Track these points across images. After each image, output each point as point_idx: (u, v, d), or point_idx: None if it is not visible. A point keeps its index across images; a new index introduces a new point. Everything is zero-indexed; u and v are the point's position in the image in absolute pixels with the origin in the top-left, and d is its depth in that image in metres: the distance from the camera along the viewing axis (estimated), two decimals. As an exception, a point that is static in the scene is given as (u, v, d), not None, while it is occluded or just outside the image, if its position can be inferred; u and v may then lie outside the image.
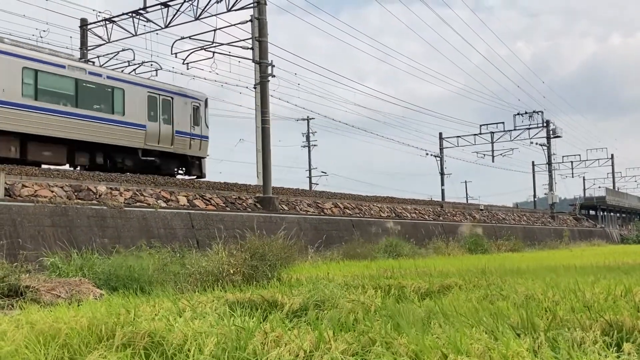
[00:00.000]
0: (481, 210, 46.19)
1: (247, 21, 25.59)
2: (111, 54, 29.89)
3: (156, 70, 29.20)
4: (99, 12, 29.61)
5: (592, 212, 71.92)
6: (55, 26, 60.93)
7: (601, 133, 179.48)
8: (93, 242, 15.97)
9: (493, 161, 57.80)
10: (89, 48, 30.12)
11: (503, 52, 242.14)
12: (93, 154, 22.48)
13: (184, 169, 26.22)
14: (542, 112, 55.72)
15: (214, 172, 64.49)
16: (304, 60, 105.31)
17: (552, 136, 57.89)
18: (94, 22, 29.90)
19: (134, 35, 28.87)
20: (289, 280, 10.99)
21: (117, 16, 29.02)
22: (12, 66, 19.80)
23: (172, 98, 25.01)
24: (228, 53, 26.83)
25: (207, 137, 26.52)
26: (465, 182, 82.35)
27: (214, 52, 26.59)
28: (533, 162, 66.98)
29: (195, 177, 25.90)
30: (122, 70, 27.65)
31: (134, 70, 28.88)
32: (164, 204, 20.23)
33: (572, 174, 73.83)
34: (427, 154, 55.51)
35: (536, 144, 57.35)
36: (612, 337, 4.93)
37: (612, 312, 5.57)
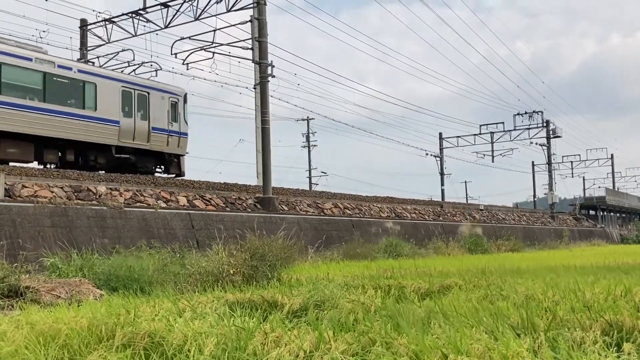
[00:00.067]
0: (481, 210, 46.20)
1: (246, 21, 25.61)
2: (111, 54, 29.92)
3: (156, 70, 29.19)
4: (99, 13, 29.66)
5: (592, 212, 71.94)
6: (55, 27, 60.94)
7: (601, 133, 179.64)
8: (93, 243, 15.98)
9: (493, 161, 57.88)
10: (88, 48, 30.13)
11: (503, 52, 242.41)
12: (63, 151, 21.63)
13: (162, 167, 25.38)
14: (542, 112, 55.82)
15: (214, 172, 64.49)
16: (303, 61, 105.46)
17: (552, 136, 57.94)
18: (94, 23, 29.92)
19: (133, 36, 28.89)
20: (289, 281, 11.00)
21: (117, 16, 29.04)
22: None
23: (149, 93, 24.11)
24: (228, 53, 26.86)
25: (186, 134, 25.63)
26: (465, 182, 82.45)
27: (213, 53, 26.61)
28: (533, 162, 67.11)
29: (174, 175, 25.07)
30: (96, 65, 26.94)
31: (134, 70, 28.88)
32: (164, 204, 20.23)
33: (572, 174, 73.96)
34: (427, 154, 55.58)
35: (536, 144, 57.44)
36: (612, 337, 4.94)
37: (612, 312, 5.57)
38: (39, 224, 15.73)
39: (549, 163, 59.79)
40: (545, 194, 66.12)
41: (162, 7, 27.37)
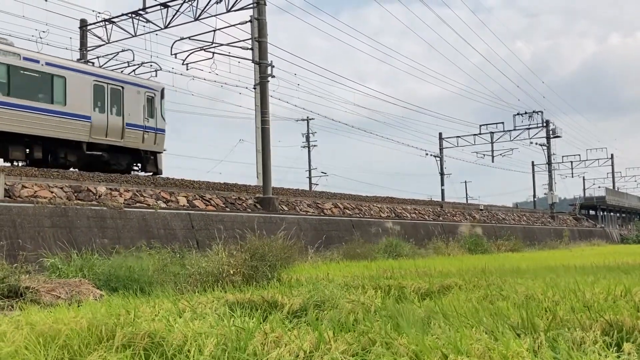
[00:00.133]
0: (481, 210, 46.21)
1: (246, 22, 25.61)
2: (111, 54, 29.93)
3: (156, 70, 29.19)
4: (99, 13, 29.63)
5: (592, 212, 71.96)
6: (54, 27, 60.94)
7: (601, 133, 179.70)
8: (93, 243, 15.97)
9: (493, 161, 57.92)
10: (88, 49, 30.14)
11: (503, 52, 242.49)
12: (31, 148, 20.67)
13: (139, 165, 24.40)
14: (541, 112, 55.87)
15: (213, 172, 64.56)
16: (303, 61, 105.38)
17: (551, 136, 57.97)
18: (94, 23, 29.92)
19: (133, 36, 28.89)
20: (288, 281, 11.00)
21: (117, 17, 29.05)
22: None
23: (123, 87, 23.10)
24: (228, 53, 26.87)
25: (163, 130, 24.62)
26: (465, 182, 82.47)
27: (213, 53, 26.62)
28: (533, 162, 67.14)
29: (151, 173, 24.26)
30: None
31: (134, 71, 28.87)
32: (163, 205, 20.24)
33: (572, 174, 74.01)
34: (426, 154, 55.58)
35: (536, 144, 57.47)
36: (612, 337, 4.94)
37: (612, 312, 5.57)
38: (39, 225, 15.73)
39: (549, 163, 59.83)
40: (545, 194, 66.18)
41: (162, 7, 27.37)
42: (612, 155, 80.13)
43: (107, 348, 5.21)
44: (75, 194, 18.16)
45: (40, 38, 27.15)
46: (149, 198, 20.20)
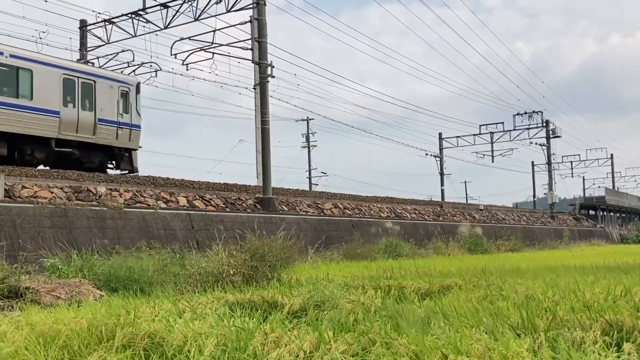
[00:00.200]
0: (481, 210, 46.21)
1: (246, 22, 25.61)
2: (111, 54, 29.94)
3: (155, 71, 29.21)
4: (99, 13, 29.63)
5: (591, 212, 71.97)
6: (54, 27, 60.86)
7: (601, 133, 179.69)
8: (93, 243, 15.97)
9: (493, 161, 57.93)
10: (88, 49, 30.14)
11: (502, 53, 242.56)
12: None
13: (114, 162, 23.50)
14: (541, 112, 55.89)
15: (213, 172, 64.62)
16: (303, 61, 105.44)
17: (551, 136, 57.98)
18: (94, 23, 29.93)
19: (133, 36, 28.90)
20: (288, 281, 11.00)
21: (117, 17, 29.06)
22: None
23: (95, 81, 22.09)
24: (227, 54, 26.88)
25: (138, 127, 23.66)
26: (465, 182, 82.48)
27: (213, 53, 26.63)
28: (533, 162, 67.15)
29: (126, 172, 23.45)
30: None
31: (134, 71, 28.87)
32: (163, 205, 20.24)
33: (572, 174, 74.03)
34: (426, 154, 55.57)
35: (536, 144, 57.48)
36: (612, 337, 4.94)
37: (612, 312, 5.57)
38: (39, 225, 15.73)
39: (549, 163, 59.83)
40: (545, 194, 66.21)
41: (162, 7, 27.38)
42: (612, 155, 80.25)
43: (107, 348, 5.21)
44: (75, 194, 18.16)
45: (40, 38, 27.18)
46: (149, 198, 20.21)
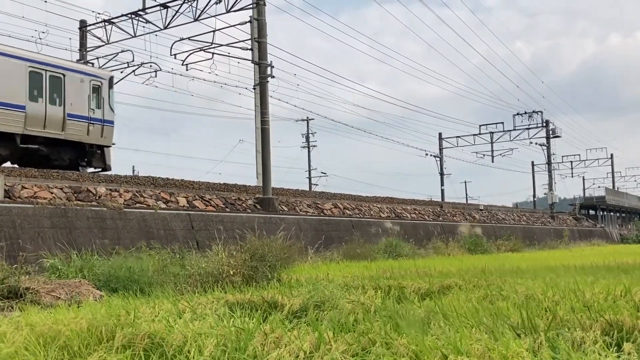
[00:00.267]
0: (481, 210, 46.21)
1: (246, 22, 25.61)
2: (110, 55, 29.94)
3: (155, 71, 29.21)
4: (98, 14, 29.65)
5: (591, 212, 71.99)
6: (54, 27, 60.77)
7: (601, 133, 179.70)
8: (93, 244, 15.97)
9: (493, 161, 57.93)
10: (88, 49, 30.15)
11: (502, 52, 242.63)
12: None
13: (86, 159, 22.49)
14: (541, 112, 55.91)
15: (213, 173, 64.60)
16: (303, 61, 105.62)
17: (551, 136, 57.99)
18: (93, 24, 29.94)
19: (133, 37, 28.91)
20: (288, 281, 11.00)
21: (116, 17, 29.07)
22: None
23: (64, 75, 21.00)
24: (227, 54, 26.89)
25: (111, 122, 22.54)
26: (465, 182, 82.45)
27: (213, 53, 26.64)
28: (533, 162, 67.13)
29: (99, 170, 22.62)
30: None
31: (133, 71, 28.87)
32: (163, 205, 20.23)
33: (572, 173, 74.05)
34: (426, 154, 55.57)
35: (536, 144, 57.49)
36: (612, 337, 4.94)
37: (612, 312, 5.57)
38: (39, 225, 15.73)
39: (549, 163, 59.84)
40: (545, 194, 66.21)
41: (162, 7, 27.40)
42: (611, 155, 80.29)
43: (107, 349, 5.21)
44: (75, 195, 18.16)
45: (40, 39, 27.18)
46: (148, 198, 20.20)
